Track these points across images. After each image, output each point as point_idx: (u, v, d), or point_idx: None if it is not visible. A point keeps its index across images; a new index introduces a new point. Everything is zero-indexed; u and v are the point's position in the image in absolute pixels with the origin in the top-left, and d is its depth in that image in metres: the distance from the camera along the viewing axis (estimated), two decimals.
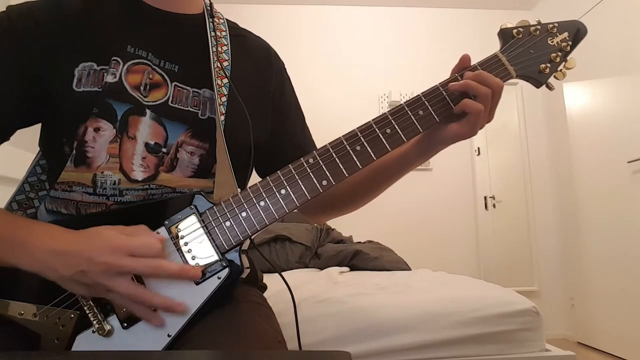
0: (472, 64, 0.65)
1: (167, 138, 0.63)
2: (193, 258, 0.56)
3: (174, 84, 0.65)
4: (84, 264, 0.49)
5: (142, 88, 0.63)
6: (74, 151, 0.60)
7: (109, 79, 0.61)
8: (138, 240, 0.51)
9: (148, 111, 0.62)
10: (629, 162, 2.44)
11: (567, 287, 3.08)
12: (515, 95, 3.38)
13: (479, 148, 3.31)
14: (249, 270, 0.61)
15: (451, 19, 3.47)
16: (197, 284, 0.55)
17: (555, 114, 3.20)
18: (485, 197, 3.27)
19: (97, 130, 0.60)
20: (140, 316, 0.53)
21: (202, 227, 0.57)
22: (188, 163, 0.64)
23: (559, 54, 0.66)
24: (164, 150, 0.63)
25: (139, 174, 0.61)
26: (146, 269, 0.51)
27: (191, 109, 0.65)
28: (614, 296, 2.56)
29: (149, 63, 0.64)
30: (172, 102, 0.64)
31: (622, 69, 2.56)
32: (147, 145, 0.62)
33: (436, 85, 0.64)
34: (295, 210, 0.65)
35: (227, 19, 0.77)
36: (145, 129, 0.62)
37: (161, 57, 0.65)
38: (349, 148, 0.61)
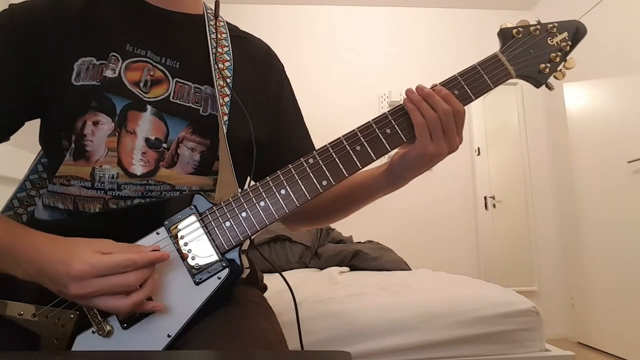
0: (472, 64, 0.65)
1: (167, 133, 0.63)
2: (193, 258, 0.56)
3: (175, 79, 0.65)
4: (61, 289, 0.50)
5: (141, 84, 0.63)
6: (73, 145, 0.60)
7: (108, 73, 0.61)
8: (108, 260, 0.49)
9: (149, 107, 0.62)
10: (629, 162, 2.44)
11: (567, 287, 3.07)
12: (515, 95, 3.37)
13: (479, 148, 3.30)
14: (249, 270, 0.61)
15: (451, 19, 3.46)
16: (197, 284, 0.55)
17: (555, 114, 3.20)
18: (485, 197, 3.26)
19: (95, 123, 0.60)
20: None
21: (202, 227, 0.57)
22: (189, 159, 0.64)
23: (559, 53, 0.66)
24: (164, 145, 0.63)
25: (138, 169, 0.61)
26: (112, 289, 0.49)
27: (192, 105, 0.65)
28: (614, 296, 2.56)
29: (149, 60, 0.64)
30: (173, 98, 0.64)
31: (622, 69, 2.56)
32: (147, 140, 0.62)
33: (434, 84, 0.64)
34: None
35: (227, 22, 0.77)
36: (146, 124, 0.62)
37: (161, 55, 0.66)
38: (348, 148, 0.61)
